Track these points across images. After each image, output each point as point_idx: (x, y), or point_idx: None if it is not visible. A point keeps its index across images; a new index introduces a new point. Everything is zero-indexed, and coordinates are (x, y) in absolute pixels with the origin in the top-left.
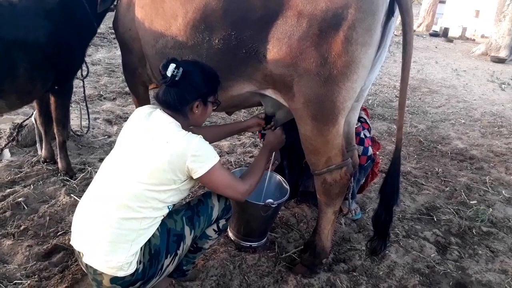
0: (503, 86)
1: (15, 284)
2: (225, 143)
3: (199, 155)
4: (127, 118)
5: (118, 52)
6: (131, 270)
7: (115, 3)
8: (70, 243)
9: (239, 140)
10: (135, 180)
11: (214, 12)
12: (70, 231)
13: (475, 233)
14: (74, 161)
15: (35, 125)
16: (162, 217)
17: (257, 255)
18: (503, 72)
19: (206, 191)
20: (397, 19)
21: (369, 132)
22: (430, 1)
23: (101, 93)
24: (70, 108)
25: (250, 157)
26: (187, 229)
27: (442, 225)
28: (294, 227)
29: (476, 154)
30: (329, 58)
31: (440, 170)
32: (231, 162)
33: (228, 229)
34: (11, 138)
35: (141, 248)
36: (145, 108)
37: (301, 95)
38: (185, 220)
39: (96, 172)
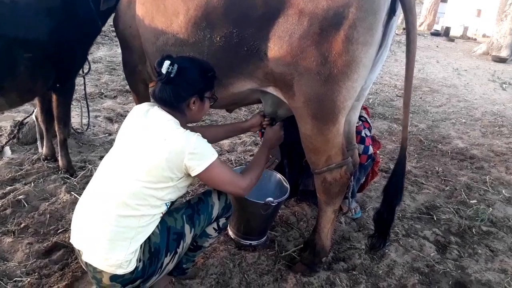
0: (504, 85)
1: (15, 281)
2: (225, 142)
3: (196, 153)
4: None
5: (119, 50)
6: (130, 268)
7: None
8: (70, 241)
9: (240, 139)
10: (133, 178)
11: (216, 10)
12: (70, 229)
13: (475, 232)
14: (74, 159)
15: (35, 123)
16: (161, 215)
17: (257, 253)
18: (504, 71)
19: (206, 190)
20: (398, 18)
21: (370, 131)
22: (432, 0)
23: (102, 91)
24: (71, 106)
25: (250, 155)
26: (187, 228)
27: (442, 224)
28: (294, 225)
29: (477, 154)
30: (329, 57)
31: (440, 169)
32: (232, 160)
33: (228, 228)
34: (12, 135)
35: (141, 246)
36: (143, 106)
37: (302, 94)
38: (185, 218)
39: (96, 170)
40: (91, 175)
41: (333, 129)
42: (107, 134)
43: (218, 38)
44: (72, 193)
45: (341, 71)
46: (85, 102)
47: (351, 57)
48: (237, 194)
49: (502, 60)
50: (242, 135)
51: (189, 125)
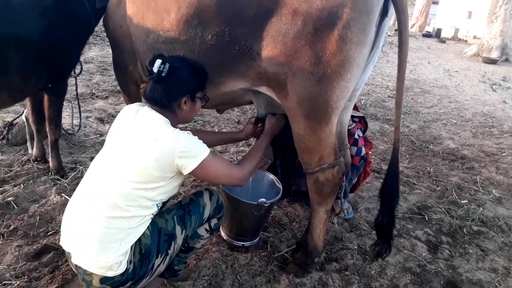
0: (494, 86)
1: (4, 284)
2: None
3: (187, 151)
4: None
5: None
6: (121, 270)
7: None
8: (60, 243)
9: None
10: (123, 179)
11: (208, 7)
12: (60, 231)
13: (465, 232)
14: (65, 160)
15: (25, 124)
16: (152, 216)
17: (249, 254)
18: (495, 73)
19: (198, 190)
20: (390, 20)
21: (362, 132)
22: (423, 2)
23: (93, 91)
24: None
25: (243, 156)
26: (178, 229)
27: (434, 224)
28: (286, 226)
29: (467, 154)
30: (323, 57)
31: (431, 169)
32: None
33: (221, 229)
34: (1, 136)
35: (131, 247)
36: (133, 106)
37: (295, 93)
38: (176, 219)
39: (86, 171)
40: (82, 177)
41: (326, 129)
42: (98, 135)
43: (210, 36)
44: (63, 194)
45: (335, 71)
46: (76, 102)
47: (344, 57)
48: (234, 184)
49: (492, 62)
50: None
51: (182, 127)
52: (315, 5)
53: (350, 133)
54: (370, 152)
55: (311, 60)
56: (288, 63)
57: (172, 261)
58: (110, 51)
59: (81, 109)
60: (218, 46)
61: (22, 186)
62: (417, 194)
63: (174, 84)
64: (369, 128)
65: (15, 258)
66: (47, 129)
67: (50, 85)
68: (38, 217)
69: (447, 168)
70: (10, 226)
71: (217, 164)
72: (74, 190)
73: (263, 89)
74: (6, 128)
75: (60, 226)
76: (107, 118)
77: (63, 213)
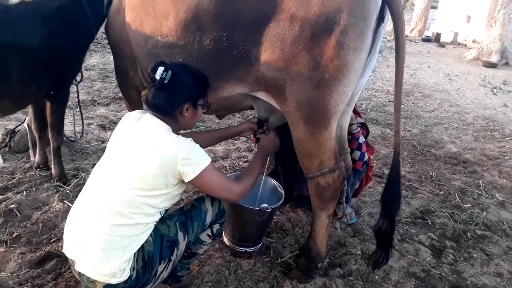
0: (494, 90)
1: None
2: (219, 148)
3: (189, 158)
4: None
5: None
6: (124, 277)
7: None
8: (63, 250)
9: (234, 145)
10: (125, 186)
11: (206, 13)
12: (63, 238)
13: (469, 236)
14: (67, 167)
15: (27, 131)
16: (155, 223)
17: (252, 260)
18: (495, 76)
19: (199, 196)
20: (387, 25)
21: (364, 137)
22: (422, 7)
23: (94, 98)
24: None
25: (244, 161)
26: (180, 235)
27: (437, 228)
28: (289, 232)
29: (469, 158)
30: (321, 62)
31: (434, 174)
32: (226, 167)
33: (223, 235)
34: (4, 144)
35: (134, 254)
36: (135, 113)
37: (293, 98)
38: (179, 225)
39: (88, 178)
40: (84, 183)
41: (325, 134)
42: (100, 142)
43: (208, 41)
44: (65, 201)
45: (333, 76)
46: (78, 109)
47: (342, 62)
48: (231, 200)
49: (492, 65)
50: (236, 141)
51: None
52: (313, 11)
53: (355, 138)
54: (372, 157)
55: (309, 65)
56: (286, 68)
57: (175, 267)
58: (111, 58)
59: (83, 116)
60: (216, 51)
61: (24, 193)
62: (420, 199)
63: (176, 91)
64: (370, 133)
65: (18, 266)
66: (50, 136)
67: (52, 92)
68: (41, 224)
69: (449, 172)
70: (13, 233)
71: (217, 175)
72: (76, 197)
73: (262, 95)
74: (8, 136)
75: (63, 233)
76: (109, 125)
77: (65, 220)
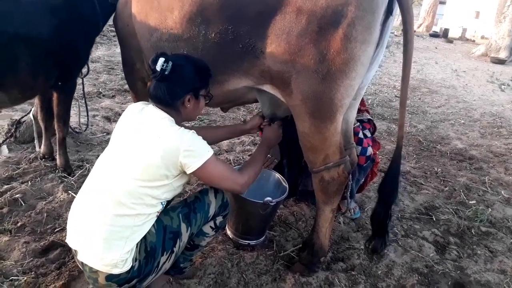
0: (502, 87)
1: (11, 280)
2: (224, 142)
3: (192, 150)
4: None
5: (118, 50)
6: (126, 267)
7: None
8: (66, 241)
9: (238, 139)
10: (128, 177)
11: (211, 5)
12: (67, 228)
13: (474, 233)
14: (72, 158)
15: (33, 122)
16: (157, 214)
17: (255, 253)
18: (503, 73)
19: (203, 188)
20: (395, 19)
21: (370, 132)
22: (430, 2)
23: (100, 90)
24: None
25: (249, 155)
26: (183, 226)
27: (441, 224)
28: (292, 225)
29: (476, 154)
30: (327, 55)
31: (439, 170)
32: (230, 160)
33: (227, 227)
34: (9, 134)
35: (137, 245)
36: (138, 104)
37: (299, 92)
38: (182, 217)
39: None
40: (88, 174)
41: (330, 127)
42: (105, 133)
43: (213, 35)
44: (70, 192)
45: (339, 69)
46: (83, 101)
47: (349, 55)
48: (235, 190)
49: (500, 62)
50: None
51: (188, 125)
52: (320, 4)
53: (354, 132)
54: (377, 152)
55: (315, 58)
56: (292, 61)
57: (177, 258)
58: (117, 50)
59: (88, 107)
60: (222, 44)
61: (29, 183)
62: (425, 194)
63: (177, 82)
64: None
65: (22, 254)
66: (56, 126)
67: (59, 83)
68: (45, 214)
69: (455, 168)
70: (17, 222)
71: (220, 166)
72: (80, 187)
73: (267, 88)
74: (14, 126)
75: (66, 223)
76: (114, 117)
77: (69, 210)
